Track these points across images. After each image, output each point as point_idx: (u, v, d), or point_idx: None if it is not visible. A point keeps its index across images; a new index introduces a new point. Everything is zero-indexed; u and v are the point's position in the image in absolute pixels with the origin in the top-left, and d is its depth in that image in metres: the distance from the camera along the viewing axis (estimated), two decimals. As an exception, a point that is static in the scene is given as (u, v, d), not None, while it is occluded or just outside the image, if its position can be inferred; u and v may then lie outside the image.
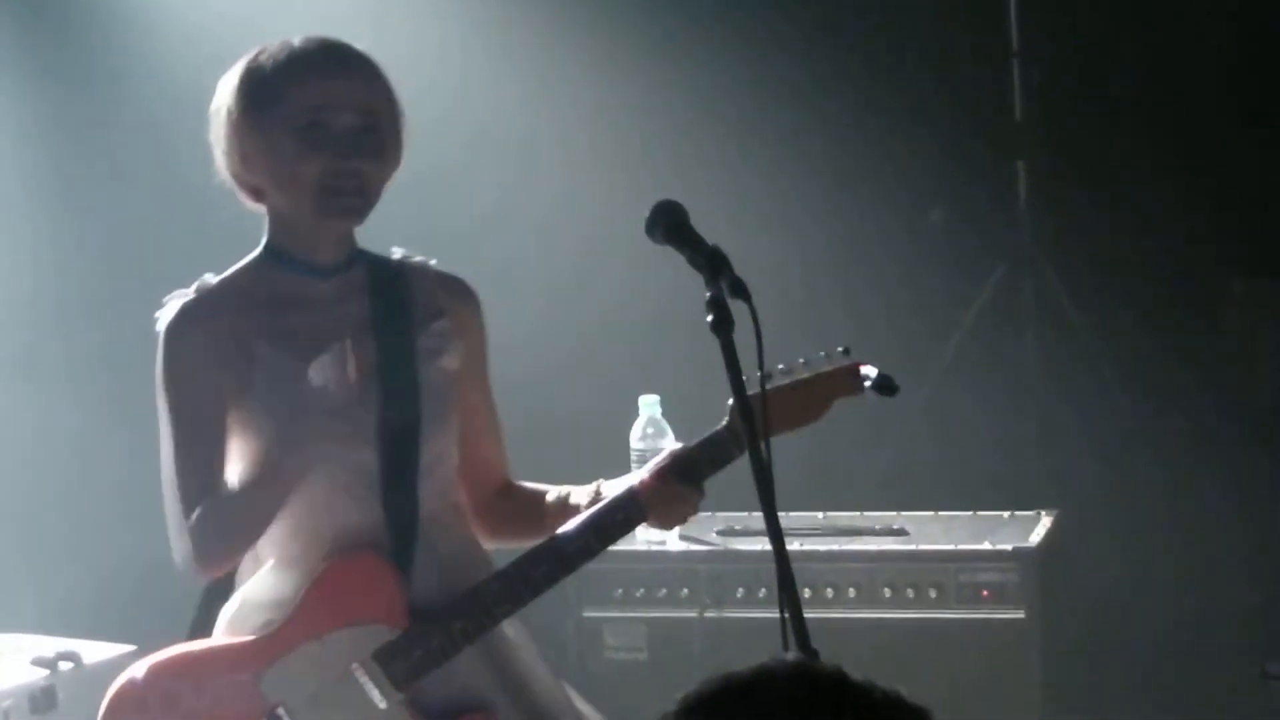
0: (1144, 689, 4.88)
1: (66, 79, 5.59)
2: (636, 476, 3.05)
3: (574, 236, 5.51)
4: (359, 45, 3.05)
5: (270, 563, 3.06)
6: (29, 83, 5.54)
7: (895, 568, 4.33)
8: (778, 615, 2.64)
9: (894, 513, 4.61)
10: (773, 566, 2.65)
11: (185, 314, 3.01)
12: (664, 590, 4.41)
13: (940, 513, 4.64)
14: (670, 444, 4.23)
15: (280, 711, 2.99)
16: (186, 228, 5.40)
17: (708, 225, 2.79)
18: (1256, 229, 5.35)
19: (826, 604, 4.30)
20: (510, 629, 3.07)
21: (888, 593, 4.32)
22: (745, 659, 1.76)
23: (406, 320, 3.05)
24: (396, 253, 3.12)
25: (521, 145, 5.53)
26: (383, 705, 2.98)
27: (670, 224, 2.78)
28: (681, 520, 3.09)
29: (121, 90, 5.62)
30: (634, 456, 4.30)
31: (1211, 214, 5.32)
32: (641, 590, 4.42)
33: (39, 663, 4.29)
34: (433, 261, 3.14)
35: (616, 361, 5.24)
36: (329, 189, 2.94)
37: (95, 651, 4.39)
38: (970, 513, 4.64)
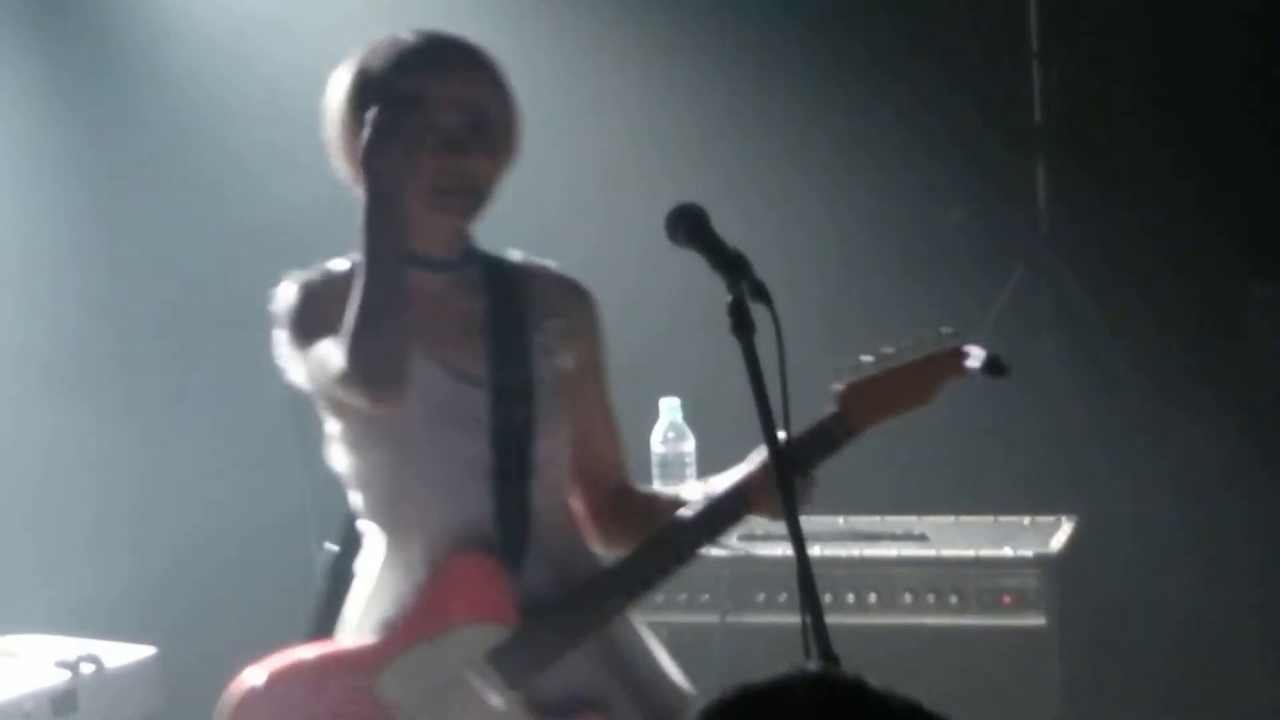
0: (1164, 694, 4.87)
1: (80, 81, 5.59)
2: (746, 468, 3.03)
3: (590, 235, 5.49)
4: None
5: (383, 561, 3.05)
6: (43, 82, 5.55)
7: (916, 573, 4.32)
8: (799, 620, 2.63)
9: (914, 517, 4.61)
10: (793, 571, 2.65)
11: (312, 283, 3.00)
12: (684, 594, 4.40)
13: (961, 518, 4.64)
14: (691, 447, 4.27)
15: (397, 714, 2.98)
16: (204, 232, 5.42)
17: (724, 227, 2.79)
18: (1277, 231, 5.33)
19: (847, 609, 4.28)
20: (625, 624, 3.06)
21: (908, 598, 4.31)
22: (766, 664, 1.76)
23: (521, 318, 3.05)
24: (515, 255, 3.13)
25: (534, 142, 5.51)
26: (499, 704, 2.97)
27: (691, 226, 2.77)
28: None
29: (138, 92, 5.62)
30: (655, 460, 4.30)
31: (1231, 216, 5.30)
32: (662, 595, 4.40)
33: (61, 665, 4.31)
34: (551, 263, 3.15)
35: (636, 364, 5.21)
36: (436, 187, 2.94)
37: (116, 654, 4.41)
38: (990, 518, 4.63)
